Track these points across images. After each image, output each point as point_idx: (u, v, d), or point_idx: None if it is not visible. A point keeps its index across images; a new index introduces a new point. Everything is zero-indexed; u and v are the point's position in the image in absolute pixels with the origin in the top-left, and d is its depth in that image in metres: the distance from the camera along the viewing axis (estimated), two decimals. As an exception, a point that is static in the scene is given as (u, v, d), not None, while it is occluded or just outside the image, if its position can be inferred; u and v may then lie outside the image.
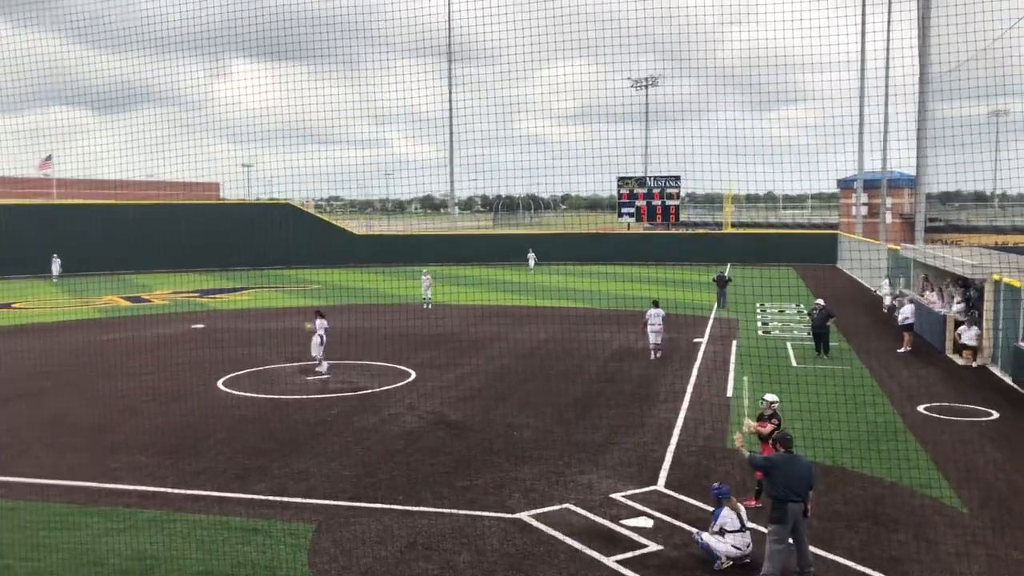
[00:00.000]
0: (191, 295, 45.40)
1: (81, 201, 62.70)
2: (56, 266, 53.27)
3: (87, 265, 54.13)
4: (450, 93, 71.03)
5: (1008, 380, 21.73)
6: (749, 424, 12.60)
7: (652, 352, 25.53)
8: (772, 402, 13.07)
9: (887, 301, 36.93)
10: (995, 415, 18.44)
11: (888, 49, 52.60)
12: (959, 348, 24.85)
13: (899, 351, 26.32)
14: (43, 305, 40.91)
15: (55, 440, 16.85)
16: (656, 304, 25.89)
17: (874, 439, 16.39)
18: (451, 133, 72.01)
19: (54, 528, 12.12)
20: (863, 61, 56.20)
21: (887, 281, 39.25)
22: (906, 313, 27.01)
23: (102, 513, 12.69)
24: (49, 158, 65.69)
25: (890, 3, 52.15)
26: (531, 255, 62.44)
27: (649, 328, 25.57)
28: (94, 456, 15.67)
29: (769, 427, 12.59)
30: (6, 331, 32.39)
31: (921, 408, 19.04)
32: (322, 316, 23.44)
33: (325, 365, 23.23)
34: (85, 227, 56.46)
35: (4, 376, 22.73)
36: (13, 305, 40.78)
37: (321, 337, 23.12)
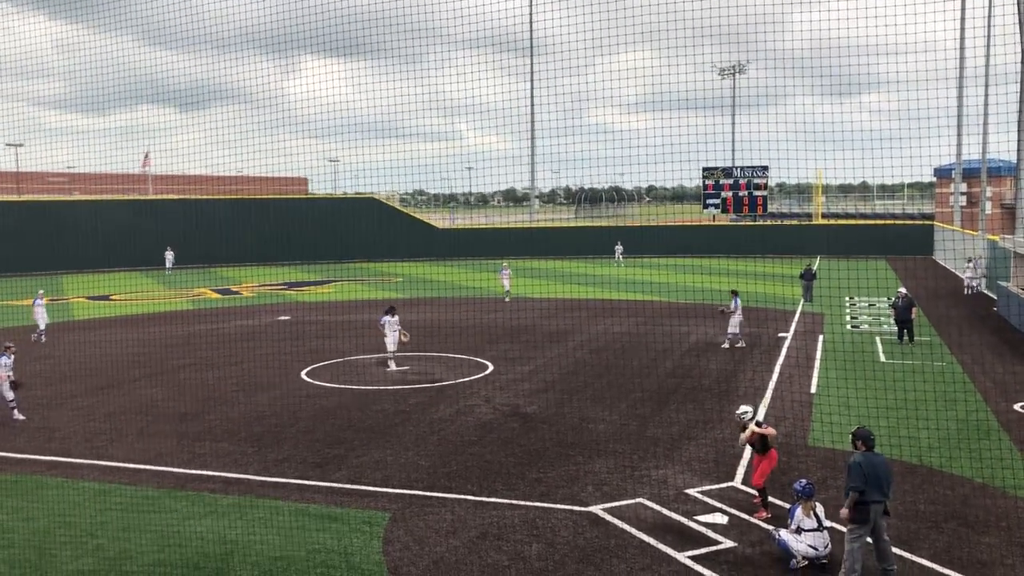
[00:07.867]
0: (278, 288, 46.65)
1: (175, 196, 65.05)
2: (170, 259, 55.55)
3: (181, 259, 56.26)
4: (531, 84, 70.94)
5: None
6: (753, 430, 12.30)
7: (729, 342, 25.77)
8: (744, 412, 12.73)
9: (966, 281, 39.39)
10: (1099, 414, 17.47)
11: (989, 31, 50.40)
12: (1061, 344, 23.67)
13: None
14: (139, 297, 42.60)
15: (146, 427, 17.55)
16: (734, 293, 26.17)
17: (964, 438, 15.71)
18: (532, 125, 71.93)
19: (143, 511, 12.62)
20: (962, 44, 53.90)
21: (970, 264, 40.03)
22: None
23: (187, 498, 13.16)
24: (148, 155, 68.49)
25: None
26: (619, 248, 61.70)
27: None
28: (182, 443, 16.27)
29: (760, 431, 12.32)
30: (104, 322, 33.86)
31: (1017, 406, 18.17)
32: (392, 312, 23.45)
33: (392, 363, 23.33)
34: (179, 222, 58.72)
35: (100, 366, 23.76)
36: (112, 297, 42.61)
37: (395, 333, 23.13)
